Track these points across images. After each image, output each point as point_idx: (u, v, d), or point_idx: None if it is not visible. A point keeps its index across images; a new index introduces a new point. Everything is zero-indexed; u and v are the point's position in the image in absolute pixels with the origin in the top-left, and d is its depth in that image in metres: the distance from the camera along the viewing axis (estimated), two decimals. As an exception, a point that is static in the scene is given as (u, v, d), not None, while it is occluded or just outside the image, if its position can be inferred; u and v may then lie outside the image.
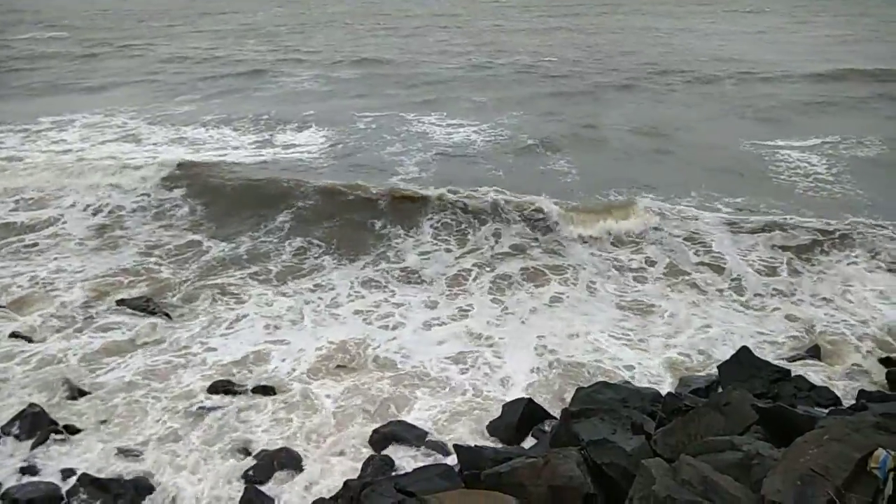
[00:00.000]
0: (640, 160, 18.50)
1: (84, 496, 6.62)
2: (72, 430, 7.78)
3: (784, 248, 12.84)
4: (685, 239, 13.30)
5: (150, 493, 6.85)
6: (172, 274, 12.05)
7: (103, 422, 8.01)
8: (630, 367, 9.34)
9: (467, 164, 17.91)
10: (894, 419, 5.94)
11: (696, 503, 4.25)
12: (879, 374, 9.13)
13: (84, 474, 6.98)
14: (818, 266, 12.38)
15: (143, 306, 10.68)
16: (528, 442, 7.51)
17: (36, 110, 24.05)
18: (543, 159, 18.48)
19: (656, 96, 26.07)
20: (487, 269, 12.38)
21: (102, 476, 6.98)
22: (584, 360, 9.52)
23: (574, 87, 27.49)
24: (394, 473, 6.77)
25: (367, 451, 7.47)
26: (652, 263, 12.64)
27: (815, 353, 9.69)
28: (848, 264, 12.30)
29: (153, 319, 10.34)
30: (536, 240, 13.44)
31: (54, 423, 7.80)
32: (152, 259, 12.68)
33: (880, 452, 4.33)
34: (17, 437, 7.58)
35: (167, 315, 10.58)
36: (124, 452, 7.43)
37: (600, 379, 8.56)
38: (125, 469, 7.15)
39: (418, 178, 16.62)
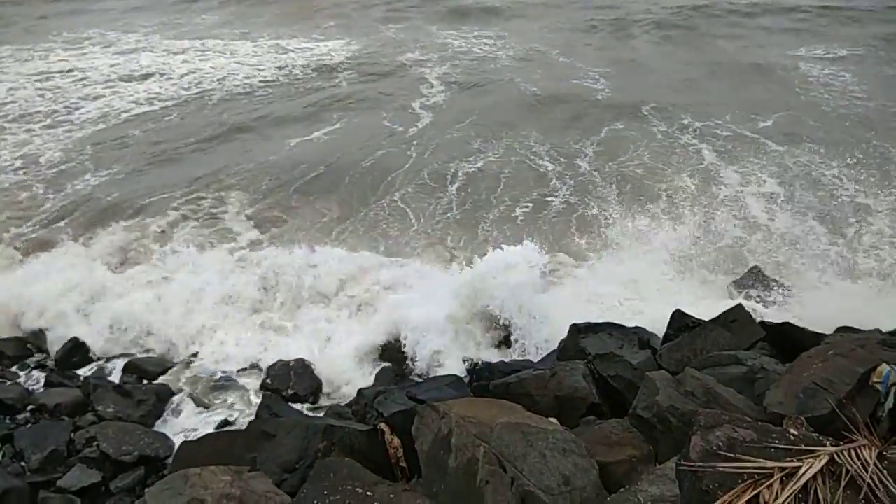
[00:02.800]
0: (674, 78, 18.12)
1: (108, 402, 6.91)
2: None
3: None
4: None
5: (171, 397, 7.15)
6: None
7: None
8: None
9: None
10: (901, 337, 6.01)
11: (697, 413, 4.35)
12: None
13: (108, 380, 7.29)
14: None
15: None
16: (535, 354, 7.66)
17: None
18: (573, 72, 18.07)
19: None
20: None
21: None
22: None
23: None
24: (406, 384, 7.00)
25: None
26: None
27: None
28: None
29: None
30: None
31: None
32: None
33: (883, 367, 4.37)
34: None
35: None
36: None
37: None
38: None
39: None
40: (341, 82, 18.43)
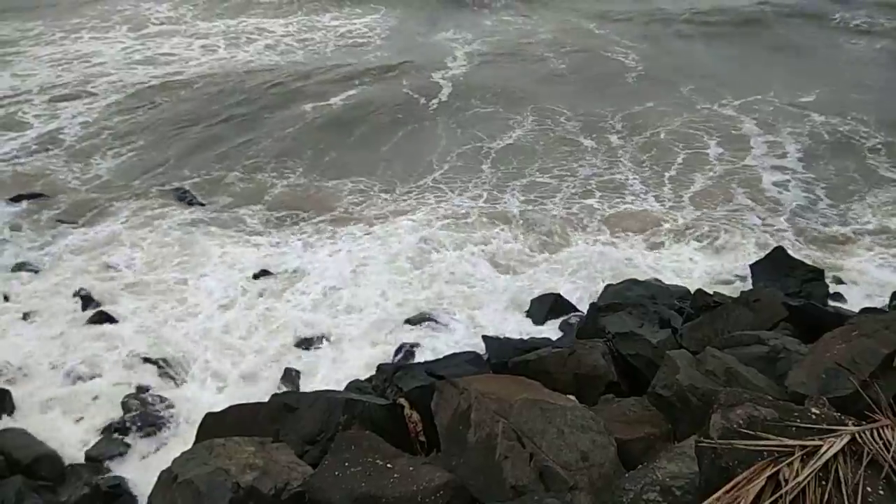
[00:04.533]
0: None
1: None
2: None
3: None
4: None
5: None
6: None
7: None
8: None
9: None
10: (927, 319, 5.91)
11: (717, 392, 4.34)
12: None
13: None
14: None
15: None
16: (555, 332, 7.68)
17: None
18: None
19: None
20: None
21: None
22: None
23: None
24: (424, 360, 7.06)
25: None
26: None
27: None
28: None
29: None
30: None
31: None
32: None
33: (909, 349, 4.32)
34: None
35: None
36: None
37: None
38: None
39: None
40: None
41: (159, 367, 7.22)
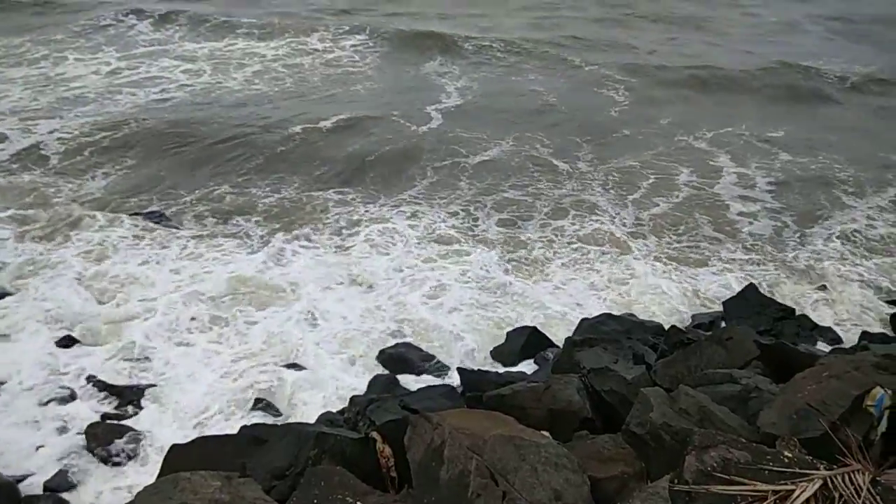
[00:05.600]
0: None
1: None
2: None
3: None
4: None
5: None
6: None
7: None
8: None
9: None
10: (894, 360, 6.01)
11: (691, 432, 4.35)
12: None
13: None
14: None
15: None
16: (530, 367, 7.67)
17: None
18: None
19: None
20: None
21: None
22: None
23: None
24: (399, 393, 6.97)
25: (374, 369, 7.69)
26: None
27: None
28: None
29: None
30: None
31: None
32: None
33: (878, 391, 4.38)
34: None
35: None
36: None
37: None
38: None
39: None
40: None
41: (124, 393, 7.05)
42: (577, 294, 9.43)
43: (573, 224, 11.40)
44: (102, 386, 7.05)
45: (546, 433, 4.91)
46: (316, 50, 21.03)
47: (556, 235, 11.06)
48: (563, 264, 10.19)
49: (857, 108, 18.63)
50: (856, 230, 11.63)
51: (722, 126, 16.28)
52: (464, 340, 8.31)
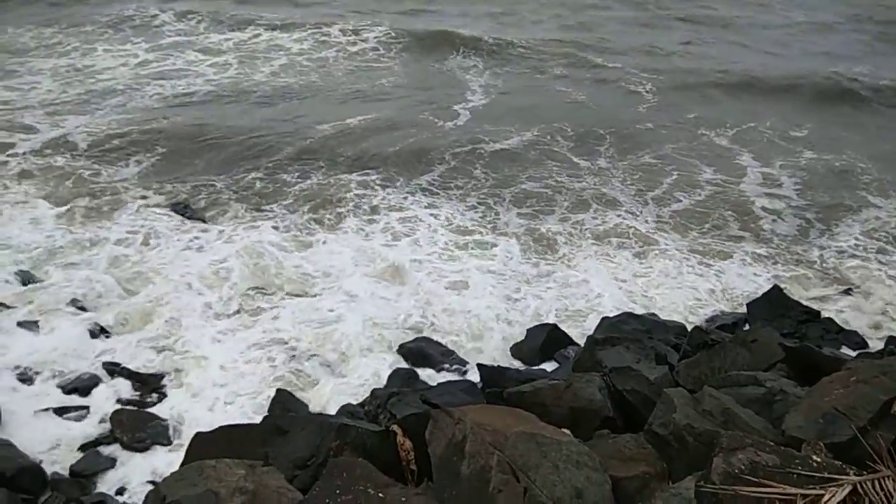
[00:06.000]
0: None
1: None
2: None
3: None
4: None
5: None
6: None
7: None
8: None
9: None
10: (924, 366, 5.91)
11: (715, 433, 4.31)
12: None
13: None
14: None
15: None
16: (550, 365, 7.65)
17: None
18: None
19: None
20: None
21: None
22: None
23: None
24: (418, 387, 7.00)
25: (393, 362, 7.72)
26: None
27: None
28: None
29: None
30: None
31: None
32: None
33: (906, 396, 4.31)
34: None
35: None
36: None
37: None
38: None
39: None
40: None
41: (149, 381, 7.16)
42: (599, 287, 9.41)
43: (594, 218, 11.40)
44: (128, 373, 7.17)
45: (567, 431, 4.90)
46: (339, 43, 21.07)
47: (576, 228, 11.09)
48: (585, 257, 10.19)
49: (885, 111, 18.26)
50: (883, 230, 11.43)
51: (745, 123, 16.09)
52: (483, 335, 8.32)
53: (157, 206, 10.90)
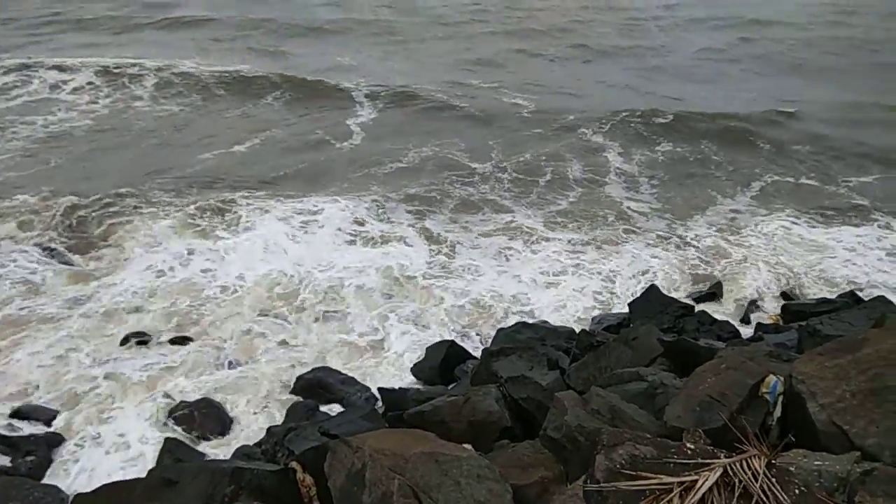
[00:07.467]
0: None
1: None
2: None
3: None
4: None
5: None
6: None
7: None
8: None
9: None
10: (786, 348, 6.46)
11: (601, 431, 4.49)
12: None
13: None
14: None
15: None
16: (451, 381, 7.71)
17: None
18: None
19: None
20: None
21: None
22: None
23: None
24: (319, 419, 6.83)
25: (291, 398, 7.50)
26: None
27: (717, 289, 10.33)
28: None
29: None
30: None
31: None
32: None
33: (771, 378, 4.68)
34: None
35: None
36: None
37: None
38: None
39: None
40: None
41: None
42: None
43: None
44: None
45: (468, 446, 4.94)
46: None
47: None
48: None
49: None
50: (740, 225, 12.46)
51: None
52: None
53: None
